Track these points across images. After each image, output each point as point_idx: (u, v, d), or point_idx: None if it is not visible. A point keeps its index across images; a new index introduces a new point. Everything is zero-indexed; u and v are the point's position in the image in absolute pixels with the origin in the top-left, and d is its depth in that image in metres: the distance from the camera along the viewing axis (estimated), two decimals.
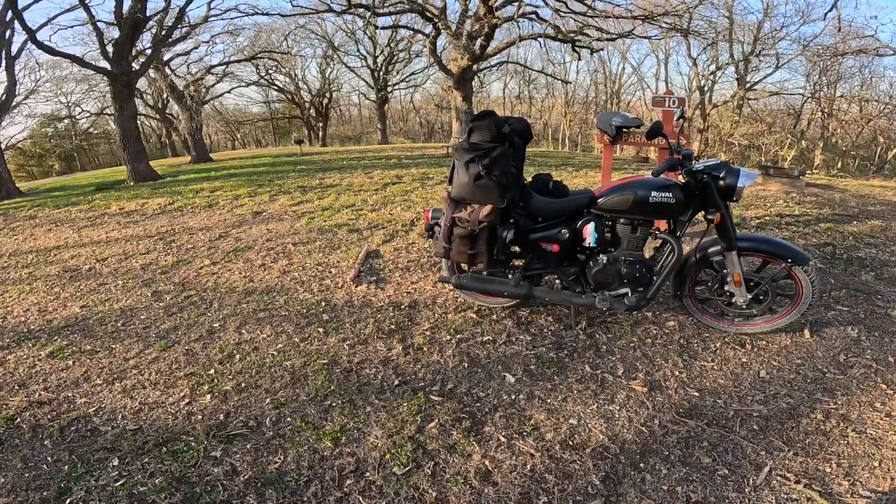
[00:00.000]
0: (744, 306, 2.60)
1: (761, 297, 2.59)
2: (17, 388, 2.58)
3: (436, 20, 13.04)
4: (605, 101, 32.29)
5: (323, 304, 3.21)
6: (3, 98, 12.60)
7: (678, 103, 3.93)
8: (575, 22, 13.01)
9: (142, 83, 19.91)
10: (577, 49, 13.65)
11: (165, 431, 2.13)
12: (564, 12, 12.42)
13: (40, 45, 9.67)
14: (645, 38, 15.24)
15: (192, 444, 2.04)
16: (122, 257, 4.71)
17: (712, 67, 23.13)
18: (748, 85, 21.61)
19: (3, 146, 27.97)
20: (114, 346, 2.92)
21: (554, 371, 2.42)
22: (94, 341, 3.01)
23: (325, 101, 26.86)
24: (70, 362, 2.78)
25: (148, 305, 3.48)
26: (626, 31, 13.59)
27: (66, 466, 1.97)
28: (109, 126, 30.17)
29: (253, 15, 14.74)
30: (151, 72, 15.92)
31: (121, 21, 10.17)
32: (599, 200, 2.51)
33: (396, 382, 2.37)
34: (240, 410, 2.24)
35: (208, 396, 2.36)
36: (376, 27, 15.96)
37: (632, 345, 2.65)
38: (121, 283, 4.03)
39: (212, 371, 2.57)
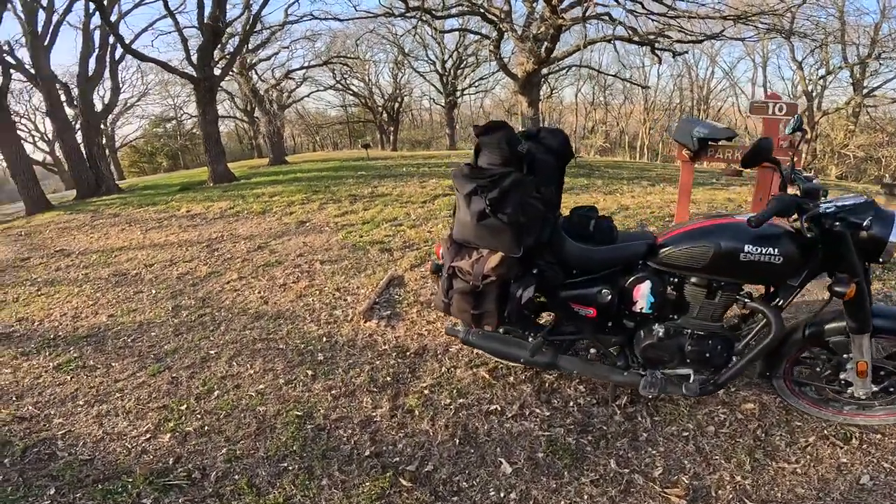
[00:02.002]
0: (864, 398, 1.88)
1: (892, 390, 1.87)
2: (13, 399, 2.60)
3: (498, 23, 12.58)
4: (690, 107, 29.80)
5: (324, 339, 2.94)
6: (108, 100, 14.10)
7: (788, 110, 3.03)
8: (654, 23, 11.90)
9: (234, 87, 21.53)
10: (656, 52, 12.51)
11: (111, 468, 2.04)
12: (639, 13, 11.36)
13: (131, 51, 10.58)
14: (738, 39, 13.59)
15: (129, 486, 1.92)
16: (166, 264, 4.84)
17: (821, 71, 20.38)
18: (866, 91, 18.71)
19: (116, 145, 31.86)
20: (113, 365, 2.88)
21: (567, 463, 1.92)
22: (99, 357, 2.99)
23: (397, 105, 27.34)
24: (68, 377, 2.77)
25: (164, 321, 3.46)
26: (714, 33, 12.17)
27: (10, 488, 1.94)
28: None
29: (326, 20, 15.26)
30: (238, 76, 17.07)
31: (202, 28, 10.85)
32: (662, 251, 1.84)
33: (368, 453, 2.01)
34: (191, 457, 2.07)
35: (168, 435, 2.22)
36: (438, 31, 15.81)
37: (685, 434, 2.03)
38: (153, 292, 4.09)
39: (184, 407, 2.41)
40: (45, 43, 11.09)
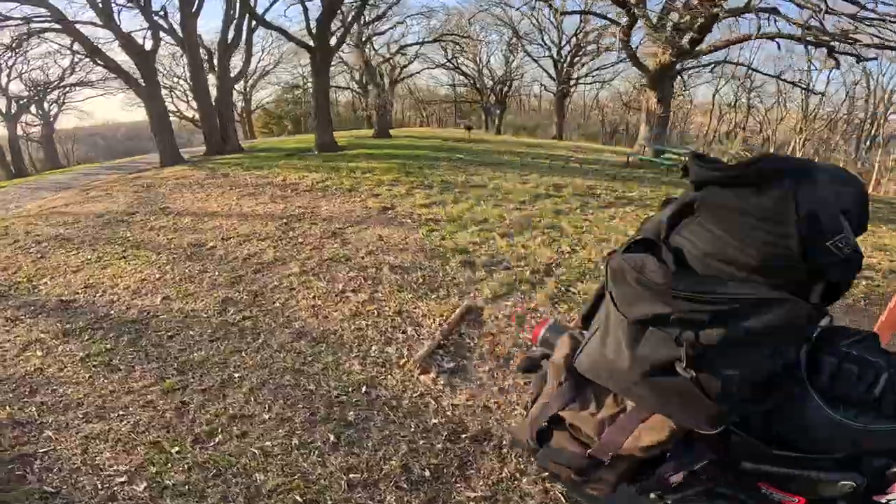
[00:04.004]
0: None
1: None
2: (25, 392, 2.33)
3: (631, 6, 10.84)
4: (861, 120, 24.45)
5: (363, 389, 2.28)
6: (242, 66, 14.94)
7: None
8: (838, 22, 9.37)
9: (353, 60, 22.02)
10: (834, 55, 9.98)
11: None
12: (820, 10, 8.94)
13: (255, 17, 10.84)
14: None
15: None
16: (241, 240, 4.59)
17: None
18: None
19: (252, 107, 34.82)
20: (135, 369, 2.52)
21: None
22: (128, 354, 2.67)
23: (506, 88, 26.12)
24: (87, 376, 2.46)
25: (209, 317, 3.09)
26: None
27: None
28: (331, 97, 35.21)
29: None
30: (354, 49, 17.23)
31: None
32: None
33: None
34: None
35: (144, 484, 1.78)
36: (559, 12, 14.28)
37: None
38: (216, 274, 3.80)
39: (176, 450, 1.93)
40: (193, 10, 11.86)
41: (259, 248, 4.30)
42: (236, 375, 2.43)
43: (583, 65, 24.08)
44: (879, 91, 23.50)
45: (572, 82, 24.14)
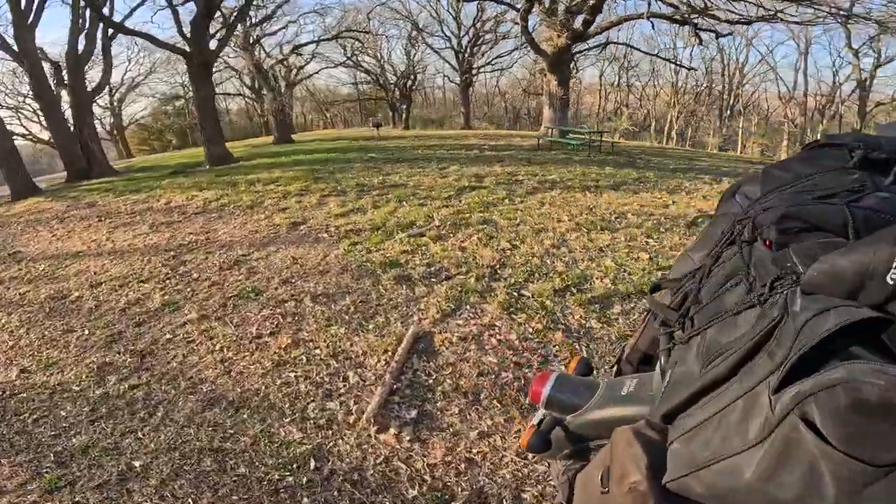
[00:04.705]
0: None
1: None
2: None
3: None
4: (720, 91, 27.71)
5: (312, 464, 1.73)
6: (101, 77, 12.88)
7: None
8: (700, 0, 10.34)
9: (241, 64, 20.13)
10: (698, 32, 11.01)
11: None
12: None
13: (112, 24, 9.39)
14: (796, 22, 11.82)
15: None
16: (118, 283, 3.70)
17: (870, 60, 18.57)
18: None
19: (124, 123, 30.74)
20: (1, 462, 1.78)
21: None
22: None
23: (410, 83, 25.78)
24: None
25: (83, 391, 2.34)
26: (769, 14, 10.44)
27: None
28: (219, 105, 32.05)
29: None
30: (242, 52, 15.71)
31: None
32: None
33: None
34: None
35: None
36: (458, 0, 14.29)
37: None
38: (86, 333, 2.96)
39: None
40: (29, 21, 9.88)
41: (141, 292, 3.47)
42: (137, 464, 1.78)
43: (483, 54, 24.51)
44: (732, 64, 26.72)
45: (474, 72, 24.51)
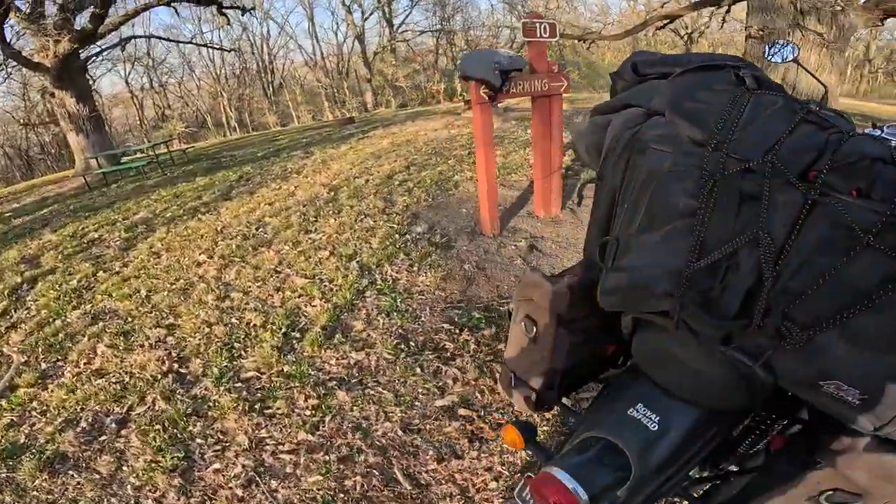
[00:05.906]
0: None
1: None
2: None
3: None
4: (257, 70, 29.13)
5: None
6: None
7: (550, 31, 2.63)
8: None
9: None
10: (223, 11, 11.06)
11: None
12: None
13: None
14: None
15: None
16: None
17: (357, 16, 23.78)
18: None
19: None
20: None
21: None
22: None
23: None
24: None
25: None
26: None
27: None
28: None
29: None
30: None
31: None
32: None
33: None
34: None
35: None
36: None
37: None
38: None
39: None
40: None
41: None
42: None
43: None
44: (259, 40, 28.07)
45: None
